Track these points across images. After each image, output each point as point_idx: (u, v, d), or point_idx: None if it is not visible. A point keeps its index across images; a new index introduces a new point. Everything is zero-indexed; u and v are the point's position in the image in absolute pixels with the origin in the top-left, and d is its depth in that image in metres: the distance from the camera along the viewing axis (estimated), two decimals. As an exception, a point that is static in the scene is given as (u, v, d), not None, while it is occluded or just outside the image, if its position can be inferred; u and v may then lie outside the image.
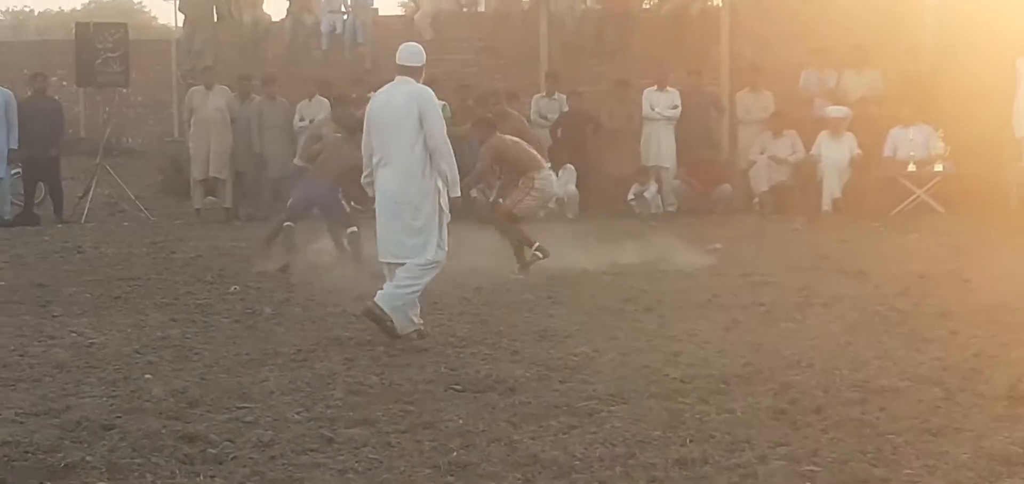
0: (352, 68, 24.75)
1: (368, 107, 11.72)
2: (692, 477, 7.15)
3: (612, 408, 8.71)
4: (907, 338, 11.13)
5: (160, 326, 12.01)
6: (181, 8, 27.96)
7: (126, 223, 17.47)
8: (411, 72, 11.49)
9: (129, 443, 7.88)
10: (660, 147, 21.92)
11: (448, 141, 11.46)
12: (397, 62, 11.62)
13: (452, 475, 7.22)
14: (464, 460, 7.49)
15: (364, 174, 11.76)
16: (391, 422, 8.38)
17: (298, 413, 8.67)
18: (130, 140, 28.06)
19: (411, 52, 11.64)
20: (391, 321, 11.10)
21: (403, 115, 11.31)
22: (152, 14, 64.13)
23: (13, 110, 21.12)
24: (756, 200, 21.67)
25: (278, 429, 8.22)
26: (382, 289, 11.34)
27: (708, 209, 21.39)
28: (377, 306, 11.15)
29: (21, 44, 40.19)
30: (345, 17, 26.29)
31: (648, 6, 27.29)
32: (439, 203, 11.35)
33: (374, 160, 11.47)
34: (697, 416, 8.48)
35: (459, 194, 11.84)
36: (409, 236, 11.38)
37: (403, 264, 11.33)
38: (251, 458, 7.60)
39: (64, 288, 14.00)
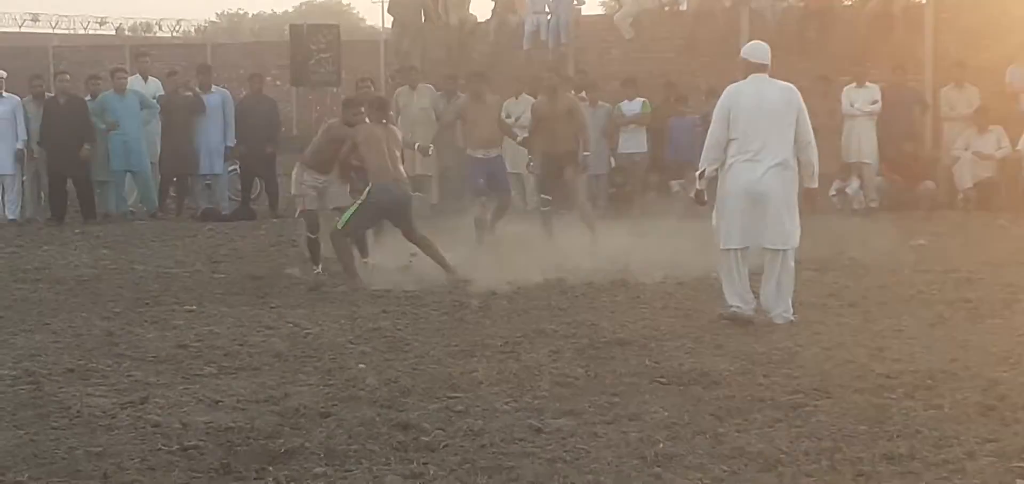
0: (555, 67, 24.78)
1: (727, 101, 11.67)
2: (899, 472, 7.06)
3: (817, 402, 8.63)
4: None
5: (372, 317, 12.16)
6: (390, 10, 28.35)
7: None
8: (765, 69, 11.77)
9: (345, 430, 8.02)
10: (861, 143, 21.60)
11: None
12: (751, 60, 11.86)
13: (659, 466, 7.21)
14: (670, 452, 7.49)
15: (709, 166, 11.71)
16: (597, 413, 8.40)
17: (506, 403, 8.73)
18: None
19: (763, 50, 11.94)
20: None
21: (781, 110, 11.65)
22: (361, 16, 65.22)
23: (231, 109, 21.55)
24: (960, 196, 21.22)
25: (487, 419, 8.29)
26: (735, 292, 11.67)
27: (911, 205, 21.00)
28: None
29: (237, 46, 41.13)
30: (548, 17, 26.36)
31: (850, 2, 26.87)
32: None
33: (736, 150, 11.52)
34: (903, 411, 8.37)
35: (817, 185, 12.25)
36: (785, 220, 11.68)
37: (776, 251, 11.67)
38: (462, 446, 7.68)
39: (280, 280, 14.26)
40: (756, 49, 12.01)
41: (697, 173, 11.85)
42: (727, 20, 25.00)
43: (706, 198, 11.90)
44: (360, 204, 14.34)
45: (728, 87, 11.83)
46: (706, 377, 9.42)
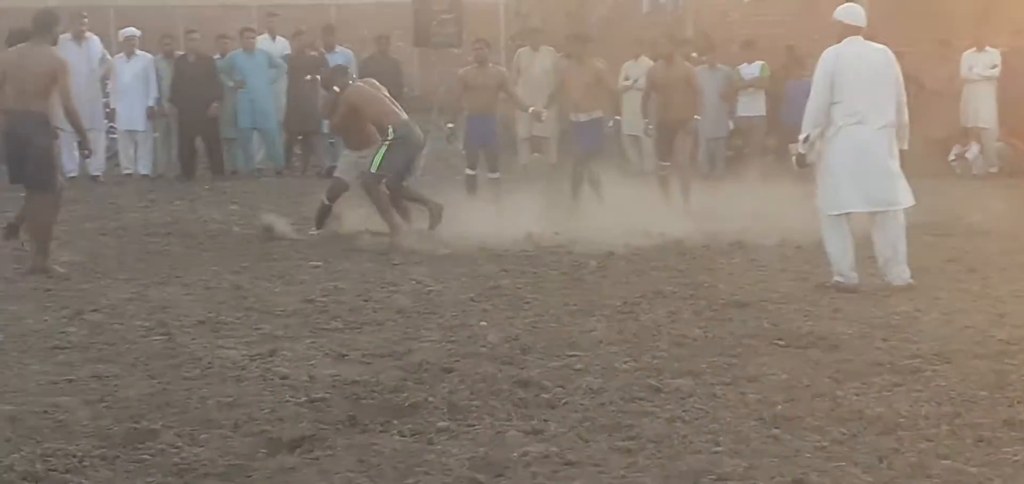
0: (673, 31, 24.71)
1: (829, 65, 11.54)
2: (1021, 437, 6.97)
3: (936, 367, 8.53)
4: None
5: (493, 276, 12.21)
6: (510, -26, 28.37)
7: (458, 177, 17.65)
8: (861, 31, 11.73)
9: (467, 386, 8.06)
10: (980, 108, 21.35)
11: None
12: (847, 22, 11.78)
13: (777, 428, 7.18)
14: (789, 413, 7.45)
15: (813, 129, 11.58)
16: (715, 374, 8.38)
17: (625, 362, 8.72)
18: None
19: (859, 12, 11.87)
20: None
21: (884, 72, 11.67)
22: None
23: (354, 69, 21.70)
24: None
25: (607, 377, 8.29)
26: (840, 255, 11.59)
27: (1032, 171, 20.73)
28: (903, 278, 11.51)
29: (360, 6, 41.12)
30: (667, -19, 26.28)
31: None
32: None
33: (841, 113, 11.42)
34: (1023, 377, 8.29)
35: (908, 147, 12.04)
36: (895, 181, 11.61)
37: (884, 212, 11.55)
38: (582, 404, 7.69)
39: (402, 238, 14.29)
40: (851, 11, 11.86)
41: (801, 138, 11.69)
42: (843, -19, 24.73)
43: (807, 162, 11.79)
44: (388, 145, 14.39)
45: (827, 51, 11.69)
46: (824, 340, 9.37)
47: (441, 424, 7.28)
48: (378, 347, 9.24)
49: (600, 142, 17.38)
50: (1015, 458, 6.64)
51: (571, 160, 17.66)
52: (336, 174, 15.24)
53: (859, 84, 11.43)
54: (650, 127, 17.59)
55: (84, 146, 13.55)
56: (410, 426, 7.25)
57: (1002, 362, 8.68)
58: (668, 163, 16.96)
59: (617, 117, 18.04)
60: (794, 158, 12.06)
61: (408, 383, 8.16)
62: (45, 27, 12.48)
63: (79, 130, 12.86)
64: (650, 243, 13.92)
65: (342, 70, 15.88)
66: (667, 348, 9.18)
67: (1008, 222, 15.45)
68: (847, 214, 11.58)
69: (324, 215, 14.90)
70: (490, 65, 18.10)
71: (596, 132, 17.23)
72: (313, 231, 14.77)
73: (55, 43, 12.68)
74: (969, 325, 9.91)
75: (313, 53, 21.93)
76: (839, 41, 11.70)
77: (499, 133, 18.34)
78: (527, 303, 10.94)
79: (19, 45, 12.72)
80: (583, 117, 17.07)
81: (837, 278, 11.54)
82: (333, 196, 14.90)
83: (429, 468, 6.53)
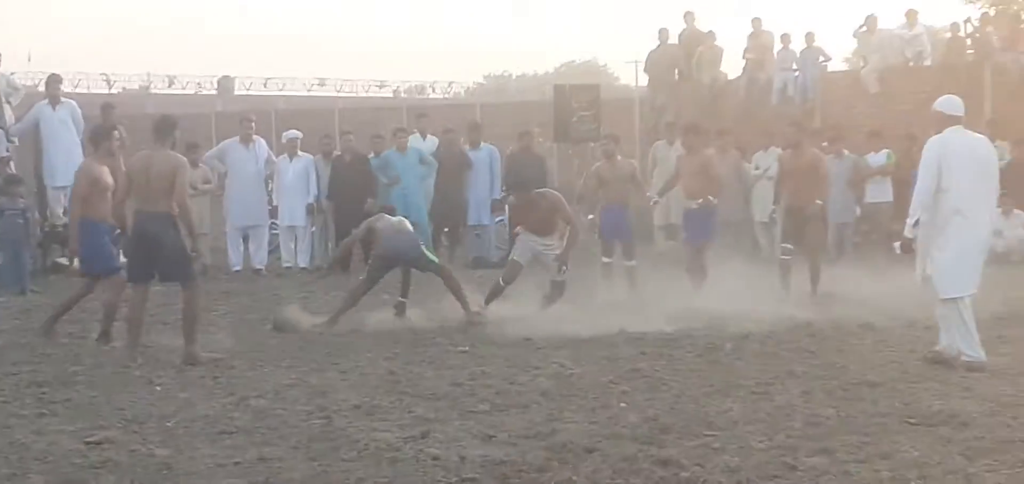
0: (802, 121, 24.62)
1: (937, 152, 11.44)
2: None
3: (1064, 443, 8.37)
4: None
5: (630, 358, 12.15)
6: (646, 69, 28.53)
7: (597, 265, 17.68)
8: (961, 120, 11.63)
9: (610, 465, 8.04)
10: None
11: None
12: (947, 112, 11.68)
13: (912, 505, 7.09)
14: (921, 491, 7.36)
15: (922, 213, 11.50)
16: (849, 452, 8.27)
17: (760, 441, 8.65)
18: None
19: (959, 103, 11.78)
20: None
21: (990, 163, 11.75)
22: (615, 74, 65.31)
23: (497, 164, 21.87)
24: None
25: (743, 456, 8.22)
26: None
27: None
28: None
29: (503, 105, 41.66)
30: (796, 74, 26.23)
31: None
32: None
33: (954, 200, 11.33)
34: None
35: None
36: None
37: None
38: (719, 482, 7.64)
39: (544, 323, 14.29)
40: (951, 102, 11.77)
41: (912, 222, 11.55)
42: (970, 74, 24.50)
43: (913, 247, 11.66)
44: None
45: (934, 139, 11.53)
46: (955, 418, 9.21)
47: None
48: (524, 428, 9.21)
49: (712, 228, 17.31)
50: None
51: (684, 247, 17.63)
52: (514, 257, 15.41)
53: (967, 172, 11.33)
54: (775, 212, 17.46)
55: (193, 247, 13.72)
56: None
57: None
58: (792, 247, 16.81)
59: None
60: (899, 243, 11.86)
61: (553, 463, 8.14)
62: (166, 132, 12.74)
63: (190, 228, 13.03)
64: (782, 326, 13.79)
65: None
66: (801, 427, 9.08)
67: None
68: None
69: (496, 294, 15.10)
70: (618, 159, 18.20)
71: (708, 219, 17.16)
72: (482, 308, 14.88)
73: (174, 146, 12.86)
74: (1097, 402, 9.69)
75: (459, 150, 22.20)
76: (940, 131, 11.55)
77: (632, 222, 18.38)
78: (665, 384, 10.86)
79: (143, 151, 13.03)
80: (695, 205, 17.02)
81: (975, 358, 11.29)
82: (509, 279, 15.13)
83: None
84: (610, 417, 9.58)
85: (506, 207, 21.66)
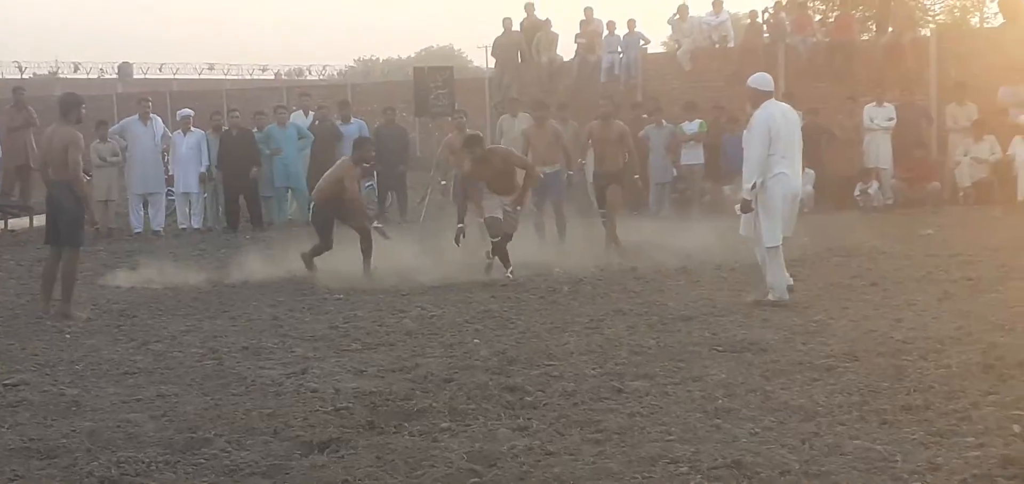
0: (626, 97, 24.87)
1: (767, 122, 11.40)
2: (916, 420, 6.98)
3: (846, 364, 8.55)
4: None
5: (483, 302, 12.18)
6: (493, 52, 28.45)
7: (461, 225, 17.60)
8: (772, 95, 11.70)
9: (465, 392, 8.05)
10: (879, 152, 21.44)
11: None
12: (761, 88, 11.67)
13: (718, 418, 7.18)
14: (727, 406, 7.46)
15: (758, 178, 11.42)
16: (667, 376, 8.37)
17: (593, 369, 8.71)
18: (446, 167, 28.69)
19: (769, 80, 11.87)
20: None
21: (797, 128, 11.87)
22: (468, 58, 65.37)
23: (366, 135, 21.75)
24: (961, 194, 21.07)
25: (578, 382, 8.28)
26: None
27: (920, 202, 20.81)
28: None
29: (370, 85, 41.38)
30: (621, 55, 26.39)
31: (867, 37, 26.69)
32: None
33: (777, 162, 11.37)
34: (918, 371, 8.28)
35: None
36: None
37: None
38: (558, 404, 7.69)
39: (413, 276, 14.19)
40: (764, 79, 11.83)
41: (749, 186, 11.47)
42: (767, 54, 24.88)
43: (752, 207, 11.61)
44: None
45: (762, 111, 11.49)
46: (755, 345, 9.36)
47: (443, 425, 7.27)
48: (391, 363, 9.19)
49: (562, 189, 17.22)
50: (913, 437, 6.65)
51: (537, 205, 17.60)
52: (492, 215, 14.05)
53: (788, 137, 11.47)
54: (572, 176, 17.43)
55: (88, 214, 13.10)
56: (418, 427, 7.24)
57: (900, 359, 8.69)
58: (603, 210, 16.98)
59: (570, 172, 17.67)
60: (738, 206, 11.82)
61: (416, 392, 8.14)
62: (69, 108, 12.44)
63: (81, 196, 12.62)
64: (611, 271, 13.94)
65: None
66: (627, 356, 9.16)
67: (901, 245, 15.49)
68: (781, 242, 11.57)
69: (502, 252, 14.01)
70: (467, 130, 18.24)
71: (558, 181, 17.09)
72: (489, 263, 14.08)
73: (79, 122, 12.58)
74: (872, 329, 9.92)
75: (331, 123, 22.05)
76: (755, 105, 11.60)
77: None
78: (512, 322, 10.90)
79: (50, 126, 12.76)
80: (548, 169, 16.99)
81: (777, 296, 11.47)
82: (496, 232, 13.99)
83: (434, 461, 6.52)
84: (465, 352, 9.59)
85: (375, 173, 21.57)
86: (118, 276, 14.73)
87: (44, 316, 12.07)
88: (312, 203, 14.91)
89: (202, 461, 6.70)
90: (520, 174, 14.29)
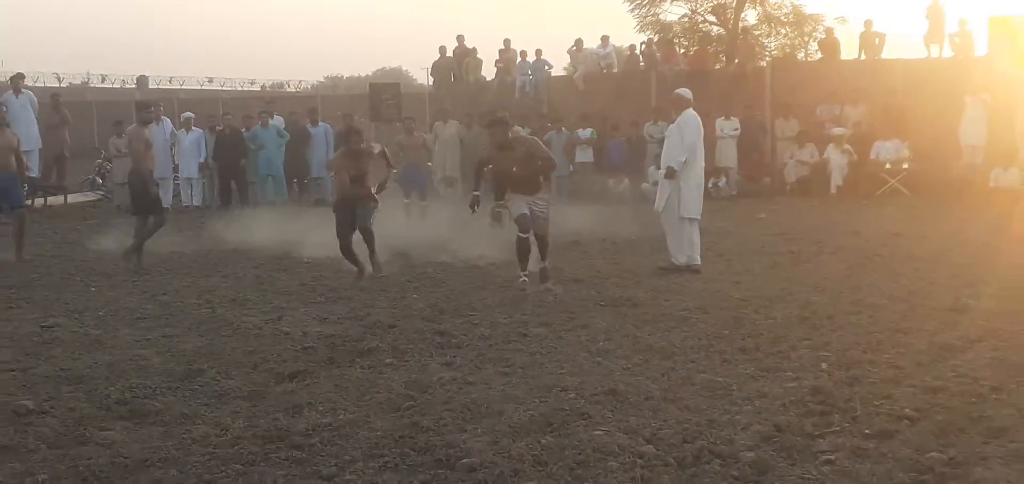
0: (535, 108, 24.89)
1: (696, 122, 11.36)
2: (749, 359, 7.12)
3: (698, 316, 8.68)
4: (886, 273, 10.90)
5: (422, 265, 12.13)
6: (431, 73, 28.35)
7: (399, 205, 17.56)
8: (691, 104, 11.45)
9: (405, 336, 8.05)
10: (727, 154, 21.65)
11: None
12: (686, 97, 11.46)
13: (599, 357, 7.26)
14: (607, 348, 7.55)
15: (684, 157, 11.24)
16: (561, 325, 8.43)
17: (504, 319, 8.74)
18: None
19: (690, 94, 11.61)
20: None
21: (702, 128, 11.53)
22: (414, 77, 64.97)
23: (330, 136, 21.50)
24: (788, 187, 21.38)
25: (493, 328, 8.32)
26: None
27: (756, 194, 21.10)
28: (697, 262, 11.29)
29: (335, 96, 41.02)
30: (531, 77, 26.36)
31: (718, 66, 26.93)
32: None
33: (695, 152, 11.33)
34: (751, 322, 8.43)
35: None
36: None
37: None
38: (477, 345, 7.72)
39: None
40: (688, 92, 11.67)
41: (680, 161, 11.26)
42: (642, 78, 25.03)
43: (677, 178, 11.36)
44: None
45: (691, 112, 11.37)
46: (630, 301, 9.46)
47: (387, 361, 7.28)
48: (347, 313, 9.18)
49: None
50: (746, 372, 6.77)
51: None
52: (521, 211, 10.53)
53: (699, 133, 11.40)
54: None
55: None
56: (367, 363, 7.25)
57: (738, 312, 8.84)
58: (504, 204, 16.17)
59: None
60: (664, 173, 11.50)
61: (366, 335, 8.12)
62: (138, 111, 12.93)
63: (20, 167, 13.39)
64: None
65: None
66: (531, 308, 9.21)
67: (741, 226, 15.68)
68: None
69: (523, 251, 10.61)
70: (416, 134, 18.17)
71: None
72: (523, 277, 10.54)
73: (147, 123, 12.87)
74: (718, 289, 10.06)
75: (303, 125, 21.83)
76: (679, 111, 11.41)
77: (425, 176, 18.34)
78: (443, 283, 10.87)
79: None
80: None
81: (675, 260, 11.35)
82: (525, 228, 10.55)
83: (379, 389, 6.53)
84: (406, 304, 9.57)
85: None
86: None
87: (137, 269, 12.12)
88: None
89: (197, 388, 6.65)
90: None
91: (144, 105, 13.29)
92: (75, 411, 6.10)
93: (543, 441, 5.42)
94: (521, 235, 10.56)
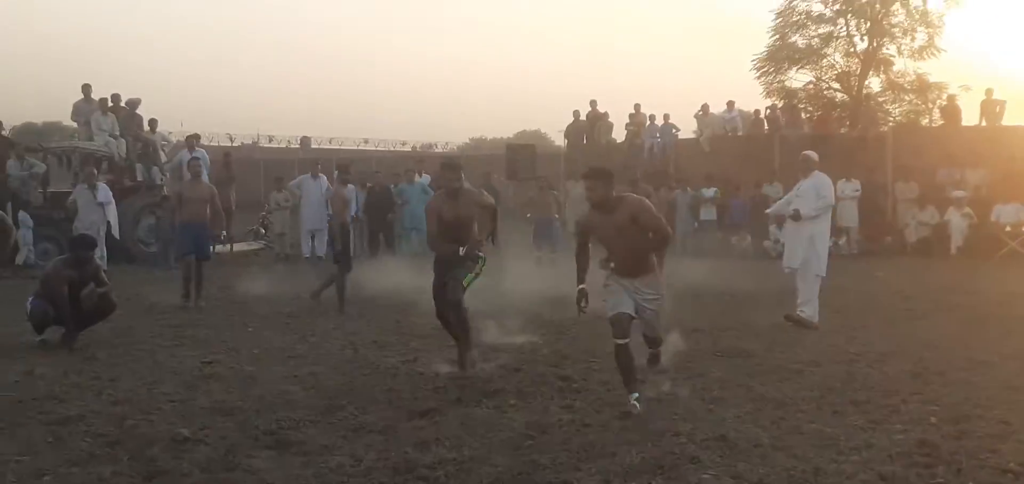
0: (662, 168, 24.85)
1: (829, 183, 11.08)
2: (859, 411, 6.87)
3: (812, 369, 8.48)
4: (1000, 331, 10.47)
5: (549, 314, 11.87)
6: (566, 135, 28.52)
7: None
8: (818, 165, 11.17)
9: (529, 379, 8.07)
10: (848, 214, 21.14)
11: None
12: (814, 159, 11.17)
13: (713, 404, 7.09)
14: (720, 396, 7.34)
15: (813, 213, 10.90)
16: (678, 374, 8.20)
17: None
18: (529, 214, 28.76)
19: (817, 157, 11.30)
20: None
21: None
22: (551, 139, 65.62)
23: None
24: (908, 248, 20.74)
25: (613, 375, 8.06)
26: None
27: (876, 253, 20.48)
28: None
29: (478, 157, 41.60)
30: (659, 139, 26.31)
31: (843, 130, 26.35)
32: None
33: (828, 210, 11.14)
34: (864, 375, 8.17)
35: None
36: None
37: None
38: (596, 390, 7.68)
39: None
40: (816, 154, 11.36)
41: (811, 213, 10.95)
42: (766, 141, 24.72)
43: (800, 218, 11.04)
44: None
45: (822, 174, 11.12)
46: (745, 353, 9.27)
47: (511, 402, 7.31)
48: (476, 356, 9.00)
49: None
50: (855, 423, 6.56)
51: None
52: (619, 311, 7.23)
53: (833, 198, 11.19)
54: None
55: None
56: (493, 403, 7.29)
57: (851, 366, 8.58)
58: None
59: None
60: (791, 214, 11.12)
61: (493, 378, 8.18)
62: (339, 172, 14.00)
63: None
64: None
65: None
66: (645, 366, 9.03)
67: (860, 283, 15.26)
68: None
69: (626, 367, 7.27)
70: (546, 191, 18.36)
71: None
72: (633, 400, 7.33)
73: (345, 184, 13.86)
74: (833, 344, 9.78)
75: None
76: (807, 172, 11.10)
77: (557, 227, 18.49)
78: (567, 331, 10.79)
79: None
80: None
81: (811, 316, 10.91)
82: (621, 334, 7.17)
83: (502, 428, 6.55)
84: (532, 349, 9.48)
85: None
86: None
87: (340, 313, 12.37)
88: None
89: (336, 421, 6.79)
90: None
91: (344, 167, 13.78)
92: (226, 440, 6.30)
93: (652, 482, 5.35)
94: (618, 342, 7.09)
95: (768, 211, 12.03)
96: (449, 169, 8.84)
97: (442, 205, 8.67)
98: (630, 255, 7.21)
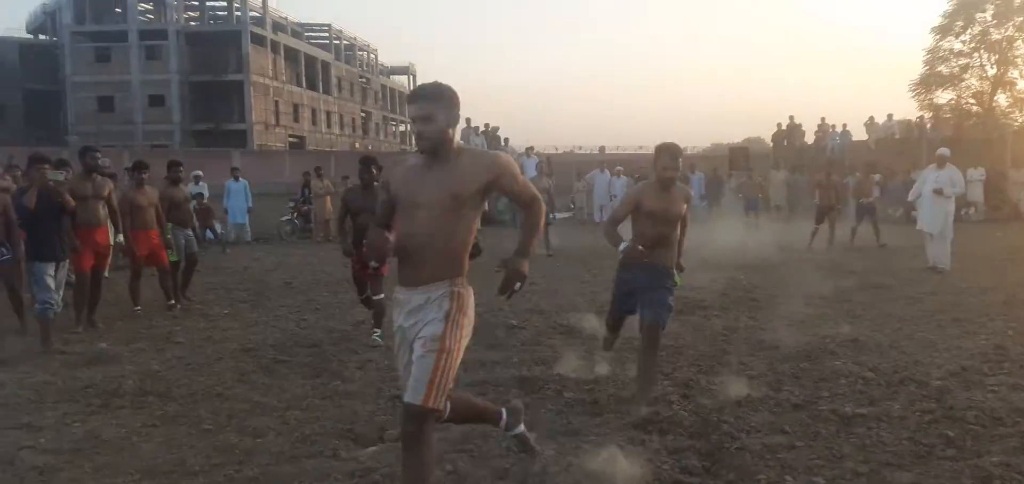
0: (840, 161, 22.71)
1: (959, 174, 9.71)
2: (957, 325, 6.36)
3: (929, 297, 7.75)
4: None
5: (749, 261, 10.95)
6: (771, 140, 27.05)
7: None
8: (949, 159, 9.72)
9: (731, 299, 7.66)
10: (975, 192, 18.38)
11: None
12: (948, 156, 9.62)
13: (851, 320, 6.72)
14: (859, 314, 6.89)
15: (952, 192, 9.45)
16: (830, 300, 7.67)
17: (794, 282, 7.96)
18: (741, 194, 27.01)
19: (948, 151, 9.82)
20: None
21: None
22: (767, 142, 60.24)
23: (702, 185, 20.19)
24: (1022, 216, 17.81)
25: (787, 288, 7.74)
26: None
27: (996, 220, 17.65)
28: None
29: (712, 156, 39.30)
30: (838, 142, 24.34)
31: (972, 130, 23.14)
32: None
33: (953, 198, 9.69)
34: (966, 303, 7.40)
35: None
36: None
37: None
38: (775, 305, 7.29)
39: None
40: (948, 151, 9.96)
41: (951, 191, 9.56)
42: (916, 142, 22.33)
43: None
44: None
45: (952, 167, 9.69)
46: (883, 286, 8.42)
47: (716, 313, 7.01)
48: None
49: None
50: (952, 333, 6.13)
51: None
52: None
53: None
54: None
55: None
56: (703, 314, 7.03)
57: (959, 297, 7.75)
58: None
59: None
60: (940, 190, 9.54)
61: (704, 294, 7.69)
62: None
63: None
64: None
65: None
66: (812, 289, 8.23)
67: (978, 243, 13.31)
68: None
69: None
70: (753, 177, 17.43)
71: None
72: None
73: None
74: (948, 281, 8.70)
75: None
76: (941, 165, 9.70)
77: (760, 204, 17.43)
78: (759, 269, 9.95)
79: None
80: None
81: (946, 266, 9.58)
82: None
83: (706, 329, 6.42)
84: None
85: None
86: None
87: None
88: None
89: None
90: None
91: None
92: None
93: (801, 365, 5.36)
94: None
95: (910, 197, 10.81)
96: (667, 154, 4.38)
97: (649, 195, 4.39)
98: (662, 240, 4.38)
